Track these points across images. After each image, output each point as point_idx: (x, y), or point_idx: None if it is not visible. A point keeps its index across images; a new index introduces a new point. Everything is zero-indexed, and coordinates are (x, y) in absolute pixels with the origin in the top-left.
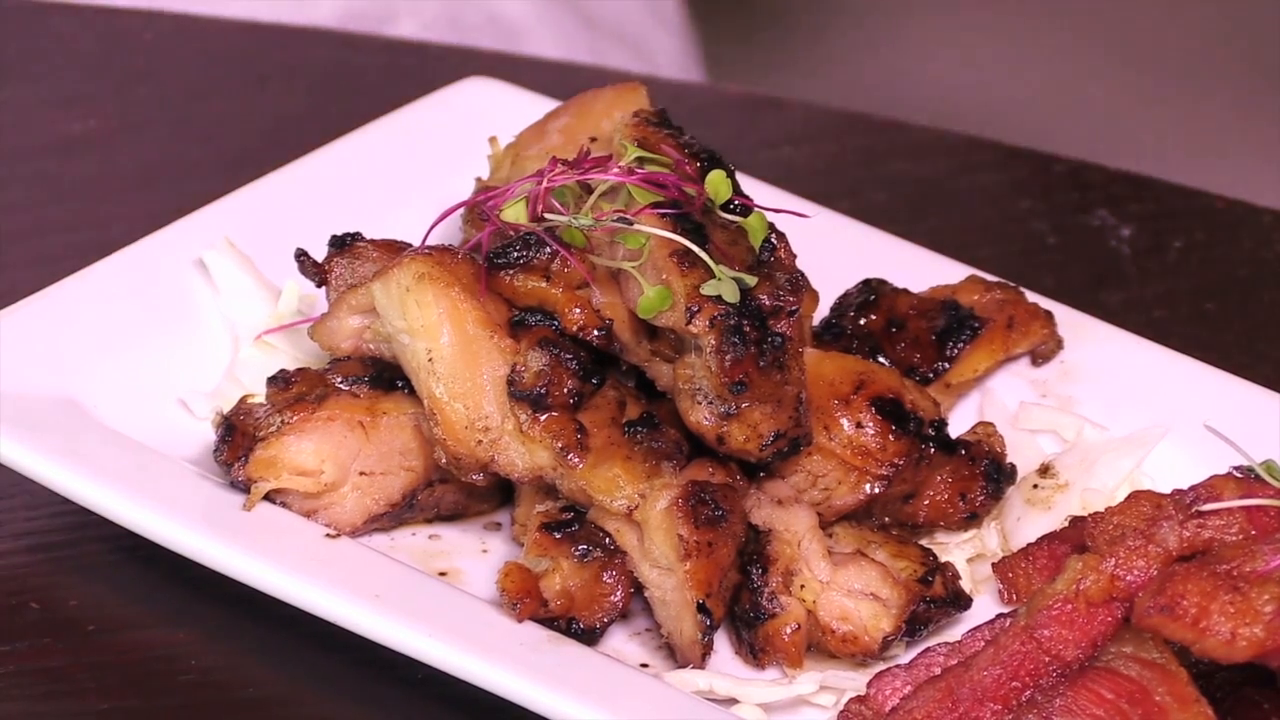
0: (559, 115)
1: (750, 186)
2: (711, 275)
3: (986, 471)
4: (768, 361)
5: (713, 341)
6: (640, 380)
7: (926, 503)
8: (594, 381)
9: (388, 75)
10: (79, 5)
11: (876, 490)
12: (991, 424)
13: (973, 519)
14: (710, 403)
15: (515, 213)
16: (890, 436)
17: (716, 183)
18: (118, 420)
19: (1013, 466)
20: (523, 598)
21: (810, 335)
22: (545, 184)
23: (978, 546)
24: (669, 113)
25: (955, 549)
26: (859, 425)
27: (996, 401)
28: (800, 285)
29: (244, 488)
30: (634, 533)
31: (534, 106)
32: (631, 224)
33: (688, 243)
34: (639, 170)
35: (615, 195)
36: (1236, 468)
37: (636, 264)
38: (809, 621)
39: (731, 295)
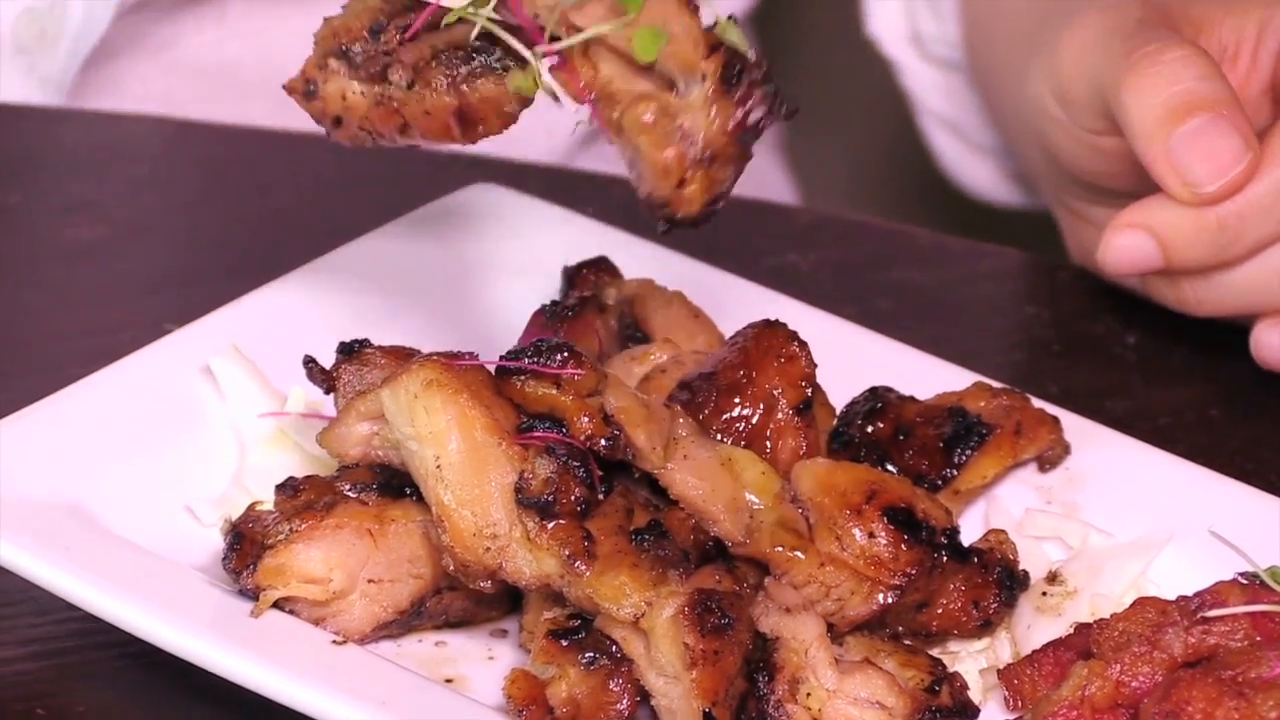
0: None
1: (755, 292)
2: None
3: (999, 579)
4: (753, 127)
5: (722, 87)
6: (651, 486)
7: (940, 611)
8: (602, 489)
9: (393, 181)
10: (84, 112)
11: (890, 600)
12: (1003, 531)
13: (986, 627)
14: (691, 145)
15: None
16: (903, 546)
17: None
18: (125, 527)
19: (1025, 574)
20: (529, 705)
21: (825, 447)
22: None
23: (990, 658)
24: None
25: (968, 657)
26: (871, 535)
27: (1002, 508)
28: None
29: (252, 595)
30: (640, 640)
31: (540, 212)
32: None
33: None
34: None
35: None
36: (1241, 574)
37: (627, 20)
38: None
39: (742, 44)
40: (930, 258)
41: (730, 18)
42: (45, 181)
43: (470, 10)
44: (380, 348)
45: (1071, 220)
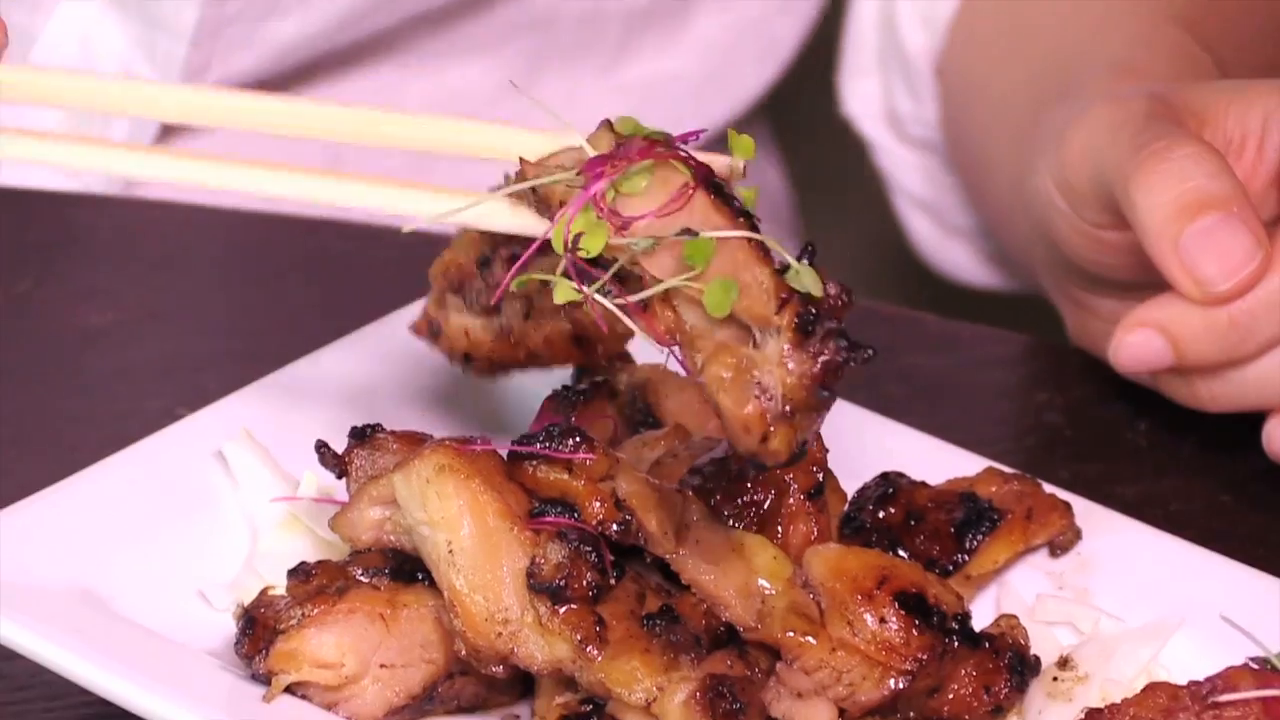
0: None
1: None
2: (785, 266)
3: (1011, 664)
4: (831, 376)
5: (797, 338)
6: (663, 571)
7: (951, 696)
8: (613, 574)
9: (406, 267)
10: (99, 197)
11: (901, 685)
12: (1015, 616)
13: (998, 712)
14: (771, 399)
15: (593, 239)
16: (915, 631)
17: (745, 145)
18: (137, 612)
19: (1037, 659)
20: None
21: (836, 531)
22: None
23: None
24: None
25: None
26: (883, 621)
27: (1014, 593)
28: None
29: (265, 680)
30: None
31: None
32: (695, 233)
33: (761, 236)
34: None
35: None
36: (1253, 659)
37: (695, 273)
38: None
39: (816, 288)
40: (941, 344)
41: (803, 259)
42: (58, 267)
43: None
44: (392, 433)
45: (1073, 309)
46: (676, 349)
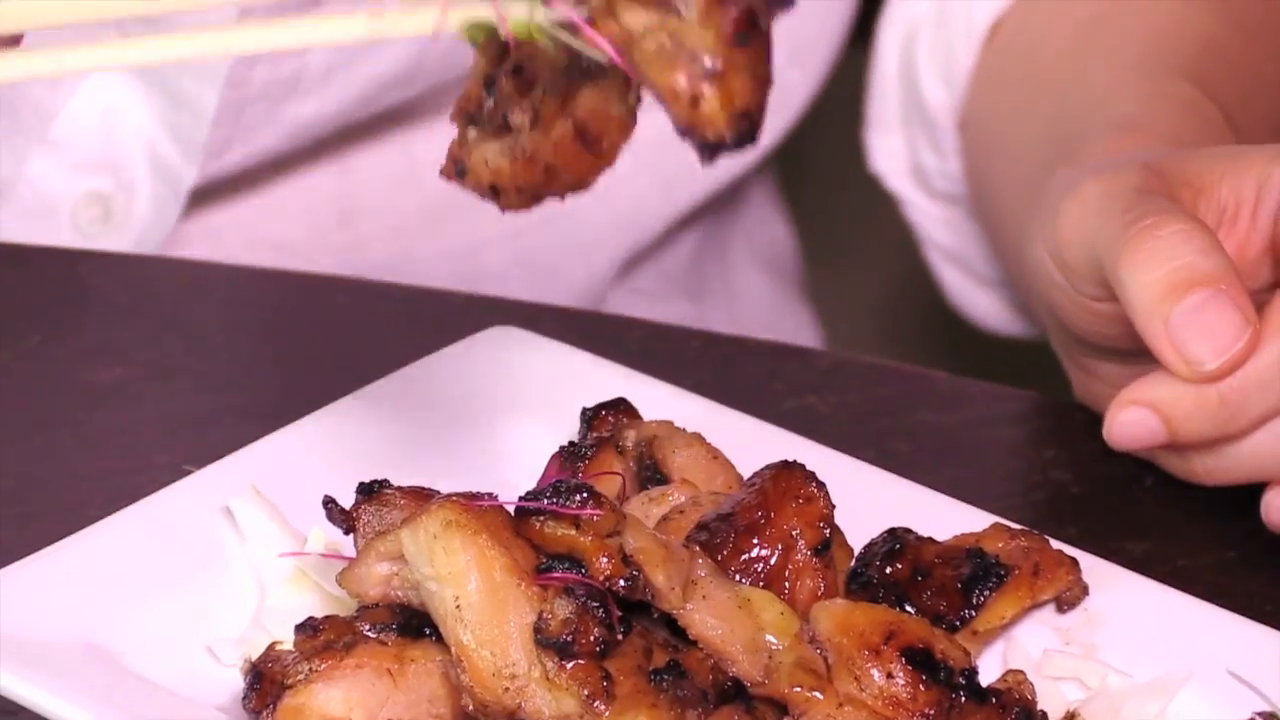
0: None
1: (774, 434)
2: None
3: (1018, 719)
4: (761, 31)
5: None
6: (670, 626)
7: None
8: (621, 630)
9: (412, 324)
10: (106, 254)
11: None
12: (1021, 672)
13: None
14: (692, 60)
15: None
16: (921, 686)
17: None
18: (145, 667)
19: (1044, 714)
20: None
21: (843, 586)
22: None
23: None
24: (696, 368)
25: None
26: (890, 676)
27: (1021, 649)
28: None
29: None
30: None
31: (558, 354)
32: None
33: None
34: None
35: None
36: (1259, 713)
37: None
38: None
39: None
40: (948, 401)
41: None
42: (66, 324)
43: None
44: (400, 488)
45: (1078, 372)
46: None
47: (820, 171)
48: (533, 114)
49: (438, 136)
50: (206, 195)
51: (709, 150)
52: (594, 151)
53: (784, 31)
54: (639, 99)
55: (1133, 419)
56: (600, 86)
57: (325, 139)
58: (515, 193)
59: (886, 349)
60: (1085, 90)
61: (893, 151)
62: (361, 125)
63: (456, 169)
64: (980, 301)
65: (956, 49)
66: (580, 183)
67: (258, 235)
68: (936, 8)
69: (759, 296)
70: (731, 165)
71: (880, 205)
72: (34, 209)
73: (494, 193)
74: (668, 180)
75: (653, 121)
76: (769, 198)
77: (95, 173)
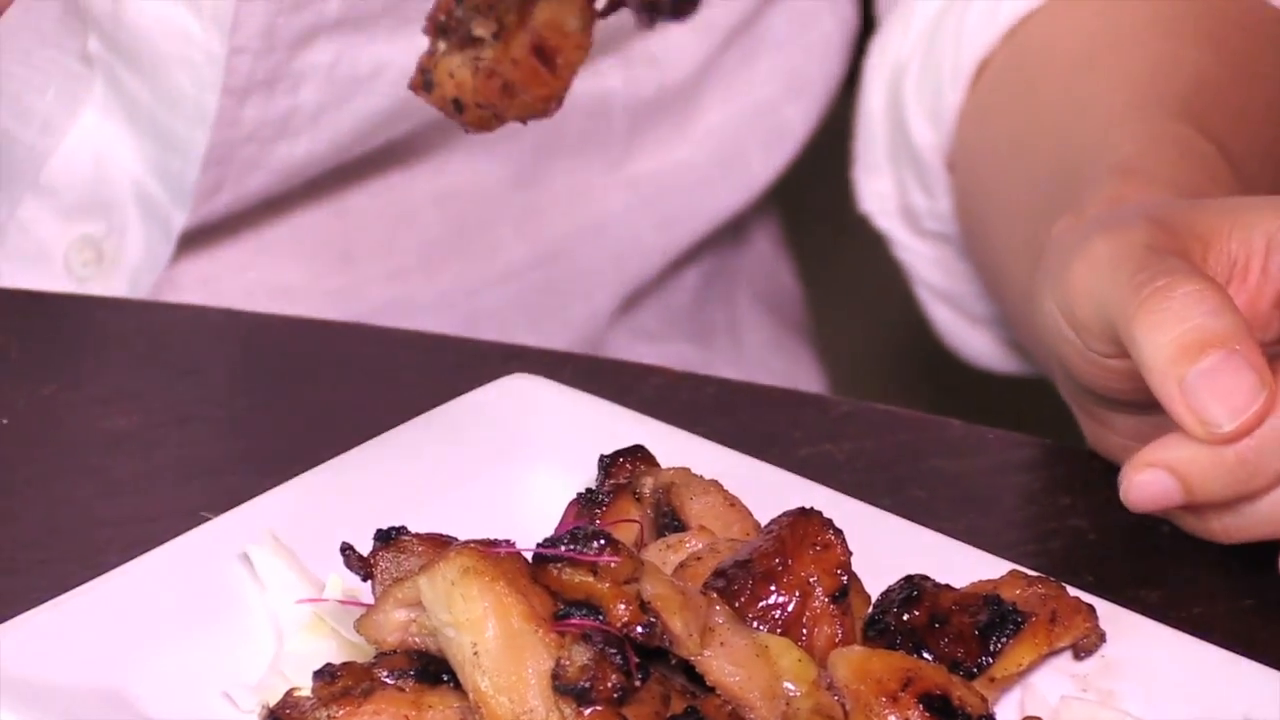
0: None
1: (791, 482)
2: None
3: None
4: None
5: None
6: (688, 673)
7: None
8: (638, 676)
9: (429, 372)
10: (124, 301)
11: None
12: (1039, 719)
13: None
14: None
15: None
16: None
17: None
18: (163, 712)
19: None
20: None
21: (860, 633)
22: None
23: None
24: (712, 416)
25: None
26: None
27: (1038, 696)
28: None
29: None
30: None
31: (576, 402)
32: None
33: None
34: None
35: None
36: None
37: None
38: None
39: None
40: (964, 448)
41: None
42: (83, 371)
43: None
44: (417, 535)
45: (1090, 422)
46: None
47: (823, 215)
48: (496, 26)
49: (433, 174)
50: (201, 238)
51: (648, 10)
52: (550, 68)
53: (781, 66)
54: (593, 16)
55: (1149, 480)
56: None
57: (319, 179)
58: (475, 108)
59: (889, 392)
60: (1082, 136)
61: (881, 192)
62: (355, 164)
63: (425, 82)
64: (973, 340)
65: (944, 88)
66: (537, 105)
67: (254, 279)
68: (923, 47)
69: (763, 341)
70: (732, 204)
71: (882, 248)
72: (27, 253)
73: (457, 108)
74: (666, 217)
75: (649, 164)
76: (772, 242)
77: (87, 216)
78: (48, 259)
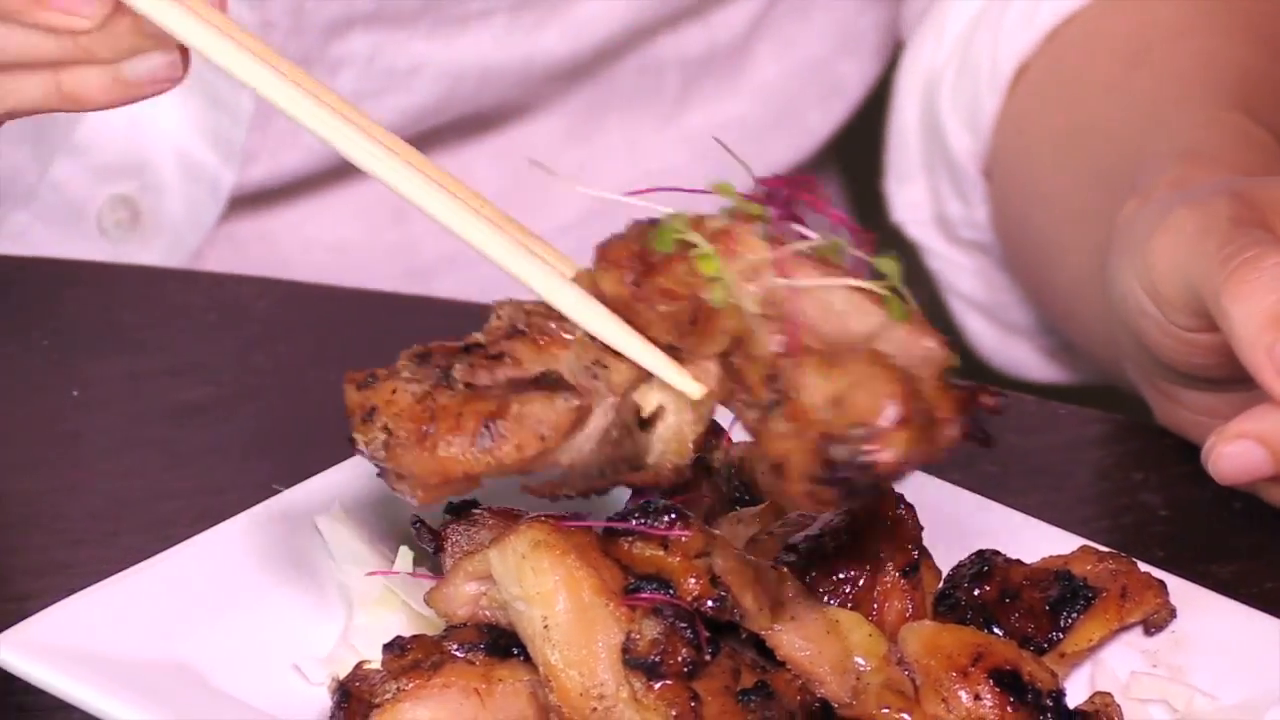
0: None
1: None
2: None
3: None
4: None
5: None
6: (758, 647)
7: None
8: (709, 650)
9: None
10: (194, 273)
11: None
12: (1109, 694)
13: None
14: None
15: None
16: (1009, 709)
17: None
18: (232, 685)
19: None
20: None
21: (931, 608)
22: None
23: None
24: None
25: None
26: (977, 698)
27: (1108, 671)
28: None
29: None
30: None
31: None
32: None
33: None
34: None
35: None
36: None
37: None
38: None
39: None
40: (1037, 424)
41: None
42: (152, 342)
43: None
44: (489, 508)
45: (1161, 400)
46: None
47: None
48: (471, 379)
49: (486, 137)
50: (259, 197)
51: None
52: (495, 441)
53: (835, 21)
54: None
55: (1239, 451)
56: (550, 400)
57: None
58: (378, 430)
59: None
60: (1134, 129)
61: (914, 201)
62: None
63: (367, 378)
64: (1011, 349)
65: (981, 93)
66: (421, 485)
67: (311, 234)
68: (959, 54)
69: None
70: (787, 158)
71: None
72: (59, 213)
73: (364, 416)
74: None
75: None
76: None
77: (121, 176)
78: (80, 218)
